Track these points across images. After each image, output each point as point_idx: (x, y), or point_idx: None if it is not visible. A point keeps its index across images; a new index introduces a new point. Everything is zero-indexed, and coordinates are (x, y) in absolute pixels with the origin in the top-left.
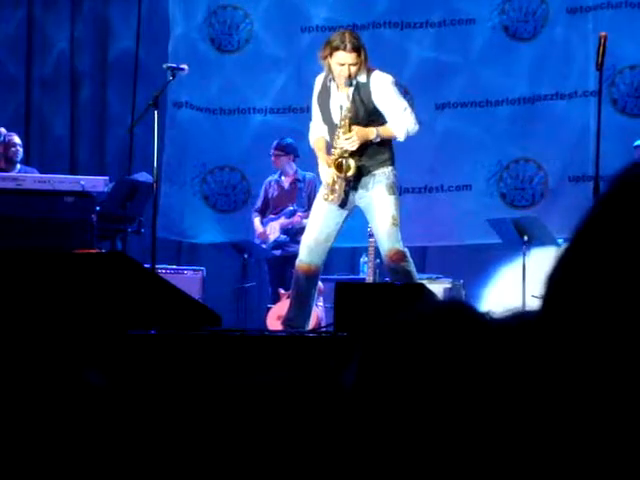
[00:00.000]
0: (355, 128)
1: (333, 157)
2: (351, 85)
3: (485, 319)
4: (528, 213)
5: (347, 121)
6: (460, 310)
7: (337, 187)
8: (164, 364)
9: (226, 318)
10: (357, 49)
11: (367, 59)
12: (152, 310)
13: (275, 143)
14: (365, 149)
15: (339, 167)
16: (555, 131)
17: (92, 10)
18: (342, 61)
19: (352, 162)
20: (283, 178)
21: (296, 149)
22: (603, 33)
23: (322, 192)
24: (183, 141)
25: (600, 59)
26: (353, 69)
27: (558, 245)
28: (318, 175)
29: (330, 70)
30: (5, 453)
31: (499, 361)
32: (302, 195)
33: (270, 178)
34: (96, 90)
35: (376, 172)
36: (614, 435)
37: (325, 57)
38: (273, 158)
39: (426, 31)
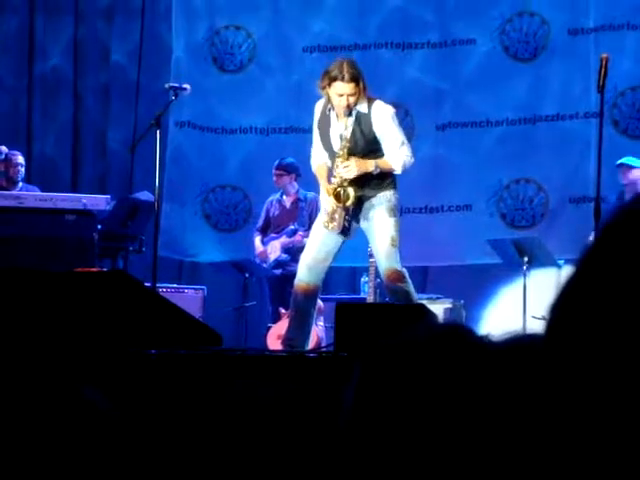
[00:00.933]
0: (353, 159)
1: (332, 186)
2: (350, 115)
3: (483, 342)
4: (528, 234)
5: (345, 150)
6: (458, 332)
7: (337, 216)
8: (164, 383)
9: (227, 337)
10: (355, 79)
11: (366, 88)
12: (152, 329)
13: (277, 163)
14: (366, 180)
15: (337, 196)
16: (556, 152)
17: (92, 29)
18: (341, 91)
19: (351, 191)
20: (285, 197)
21: (298, 168)
22: (604, 55)
23: (322, 218)
24: (185, 160)
25: (601, 81)
26: (352, 99)
27: (558, 266)
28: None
29: (329, 100)
30: (2, 467)
31: (495, 384)
32: (303, 214)
33: (272, 197)
34: (98, 108)
35: (379, 195)
36: (613, 461)
37: (324, 87)
38: (275, 177)
39: (427, 52)
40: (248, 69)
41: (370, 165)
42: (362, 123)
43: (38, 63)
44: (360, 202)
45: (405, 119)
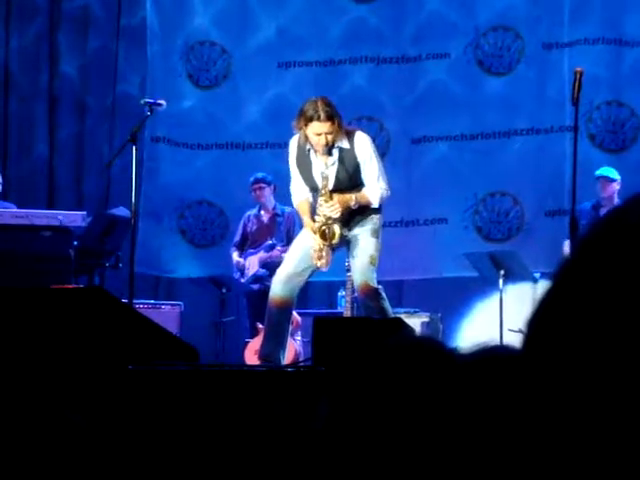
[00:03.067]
0: (336, 196)
1: (317, 224)
2: (331, 154)
3: (452, 354)
4: (504, 247)
5: (327, 189)
6: (428, 345)
7: (324, 254)
8: (141, 399)
9: (204, 353)
10: (331, 117)
11: (342, 125)
12: (130, 345)
13: (252, 179)
14: (348, 214)
15: (323, 235)
16: (531, 165)
17: (73, 47)
18: (318, 131)
19: (337, 228)
20: (262, 212)
21: (272, 180)
22: (579, 69)
23: (311, 255)
24: (161, 176)
25: (576, 94)
26: (330, 137)
27: (534, 279)
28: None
29: (307, 139)
30: None
31: (462, 395)
32: (281, 229)
33: (249, 212)
34: (74, 125)
35: (365, 218)
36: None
37: (300, 128)
38: (256, 192)
39: (401, 66)
40: (223, 85)
41: (350, 200)
42: (345, 159)
43: (15, 80)
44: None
45: (380, 133)
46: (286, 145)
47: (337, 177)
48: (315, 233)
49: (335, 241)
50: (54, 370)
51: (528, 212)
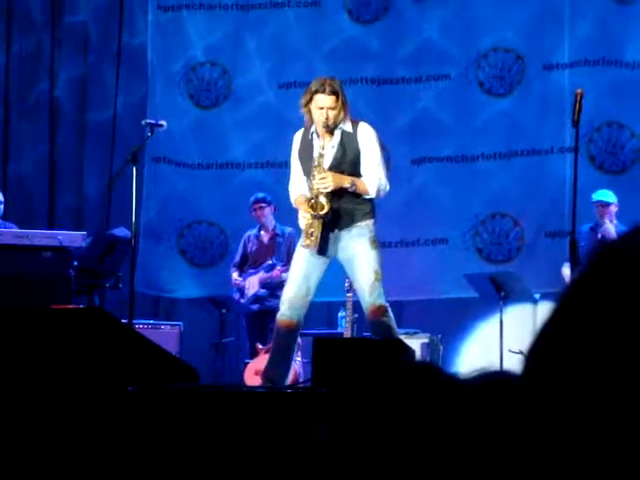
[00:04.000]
0: (331, 173)
1: (308, 197)
2: (330, 131)
3: (452, 379)
4: (504, 268)
5: (321, 160)
6: (428, 369)
7: (314, 230)
8: (141, 420)
9: (204, 373)
10: (336, 93)
11: (346, 105)
12: (129, 365)
13: (253, 199)
14: (344, 194)
15: (313, 207)
16: (531, 187)
17: (72, 67)
18: (321, 104)
19: (325, 201)
20: (262, 232)
21: (272, 201)
22: (579, 90)
23: (300, 242)
24: (161, 196)
25: (576, 116)
26: (332, 113)
27: (535, 300)
28: (297, 230)
29: (311, 120)
30: None
31: (463, 420)
32: (281, 249)
33: (249, 232)
34: (75, 145)
35: (360, 224)
36: None
37: (306, 104)
38: (256, 212)
39: (402, 87)
40: (224, 105)
41: (346, 181)
42: (346, 143)
43: (16, 98)
44: (339, 219)
45: (381, 154)
46: (287, 165)
47: (335, 156)
48: (305, 205)
49: (324, 212)
50: (53, 391)
51: (528, 233)
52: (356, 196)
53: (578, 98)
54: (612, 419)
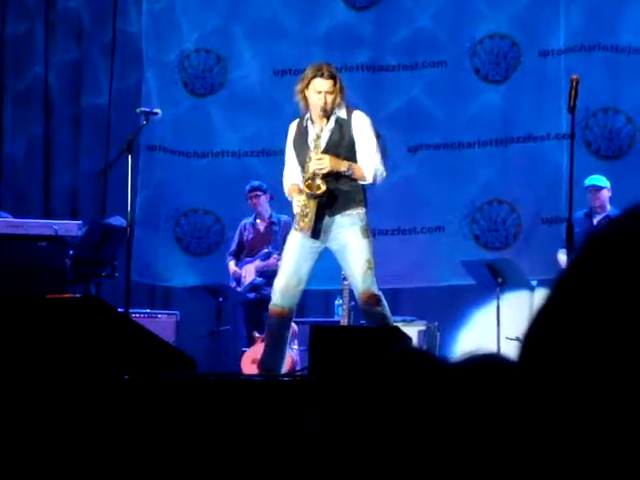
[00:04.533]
0: (327, 155)
1: (304, 178)
2: (327, 116)
3: (441, 363)
4: (501, 255)
5: (318, 142)
6: (417, 355)
7: (309, 210)
8: (138, 409)
9: (200, 362)
10: (333, 77)
11: (343, 91)
12: (126, 355)
13: (248, 187)
14: (340, 178)
15: (309, 186)
16: (528, 173)
17: (66, 54)
18: (319, 88)
19: (320, 181)
20: (258, 221)
21: (267, 189)
22: (575, 76)
23: (293, 226)
24: (157, 184)
25: (572, 102)
26: (329, 98)
27: (532, 287)
28: (293, 218)
29: (306, 107)
30: None
31: (452, 403)
32: (277, 238)
33: (245, 221)
34: (70, 133)
35: (351, 212)
36: None
37: (302, 90)
38: (252, 200)
39: (398, 74)
40: (219, 93)
41: (343, 165)
42: (342, 128)
43: (9, 87)
44: (332, 205)
45: (377, 141)
46: (282, 153)
47: (330, 141)
48: (303, 186)
49: (320, 192)
50: (50, 380)
51: (525, 220)
52: (351, 181)
53: (574, 84)
54: (608, 403)
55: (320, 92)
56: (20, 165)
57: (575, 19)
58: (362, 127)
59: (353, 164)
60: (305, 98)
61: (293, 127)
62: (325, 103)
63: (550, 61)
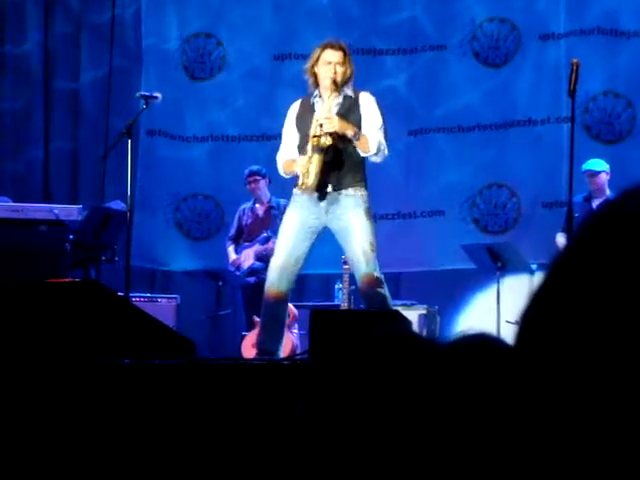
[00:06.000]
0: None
1: (310, 135)
2: (336, 89)
3: (429, 344)
4: (501, 239)
5: (330, 105)
6: (404, 337)
7: (313, 165)
8: (138, 393)
9: (200, 346)
10: (344, 49)
11: (352, 66)
12: (126, 339)
13: (247, 172)
14: (345, 151)
15: (316, 141)
16: (528, 157)
17: (64, 36)
18: (329, 59)
19: (328, 138)
20: (257, 205)
21: (266, 173)
22: (575, 60)
23: (294, 191)
24: (157, 169)
25: (572, 86)
26: (339, 70)
27: (532, 271)
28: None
29: (315, 83)
30: None
31: (442, 383)
32: (276, 222)
33: (244, 205)
34: (70, 118)
35: (355, 193)
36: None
37: (312, 66)
38: (251, 185)
39: (398, 57)
40: (219, 77)
41: (351, 129)
42: (350, 106)
43: (10, 72)
44: (335, 177)
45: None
46: (282, 137)
47: (338, 112)
48: (310, 140)
49: (326, 145)
50: (49, 364)
51: (525, 204)
52: (355, 164)
53: (574, 68)
54: (604, 386)
55: (330, 63)
56: (20, 149)
57: (575, 3)
58: (369, 106)
59: (359, 132)
60: (314, 75)
61: (295, 106)
62: (335, 73)
63: (550, 45)
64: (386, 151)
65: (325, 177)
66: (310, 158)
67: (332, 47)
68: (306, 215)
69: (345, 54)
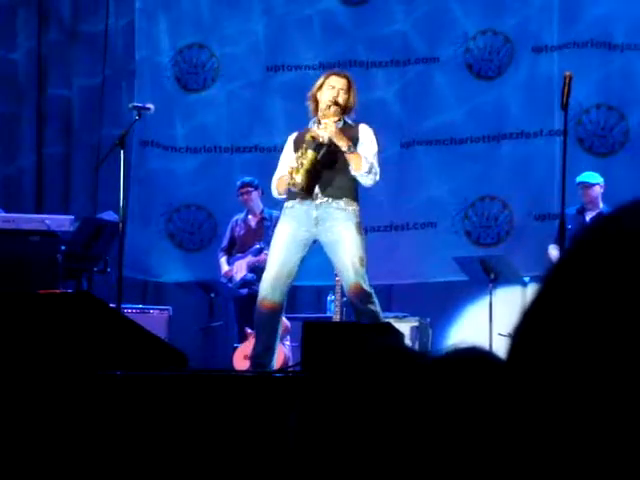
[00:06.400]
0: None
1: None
2: (336, 111)
3: (421, 358)
4: (494, 251)
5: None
6: (395, 350)
7: (304, 161)
8: (130, 405)
9: (193, 358)
10: (348, 78)
11: (355, 99)
12: (118, 350)
13: (239, 183)
14: (338, 170)
15: (313, 136)
16: (520, 169)
17: (58, 45)
18: (334, 84)
19: (325, 136)
20: (250, 217)
21: (259, 184)
22: (568, 73)
23: (287, 180)
24: (149, 180)
25: (565, 99)
26: (343, 96)
27: (524, 283)
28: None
29: (316, 110)
30: None
31: (431, 397)
32: (269, 233)
33: (236, 217)
34: (62, 128)
35: (347, 208)
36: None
37: (315, 92)
38: (243, 196)
39: (391, 69)
40: (212, 88)
41: (345, 141)
42: (349, 131)
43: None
44: (327, 186)
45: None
46: (275, 149)
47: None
48: (307, 137)
49: (321, 141)
50: (40, 376)
51: (517, 216)
52: (348, 179)
53: (567, 81)
54: (596, 400)
55: (334, 87)
56: (12, 159)
57: (568, 15)
58: (368, 135)
59: (353, 147)
60: (316, 101)
61: (294, 135)
62: (336, 96)
63: (543, 57)
64: (377, 177)
65: (316, 181)
66: (303, 154)
67: (337, 74)
68: (296, 228)
69: (350, 83)
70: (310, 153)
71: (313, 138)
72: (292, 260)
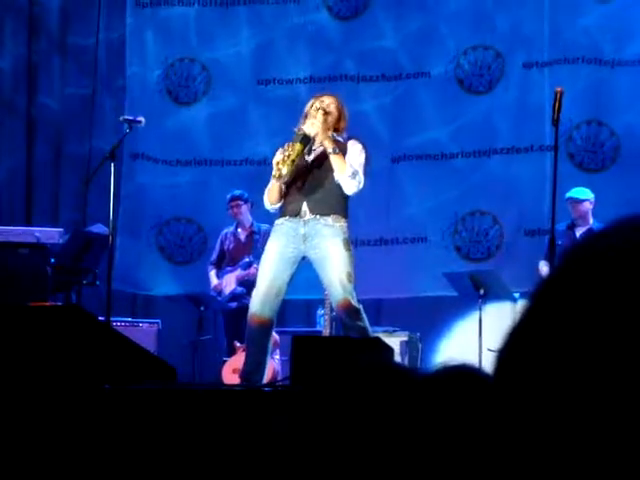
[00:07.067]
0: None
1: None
2: (324, 117)
3: (411, 375)
4: (484, 266)
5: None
6: (387, 367)
7: (291, 153)
8: (119, 419)
9: (181, 371)
10: (337, 99)
11: (345, 119)
12: (106, 364)
13: (229, 196)
14: (327, 180)
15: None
16: (511, 184)
17: (47, 55)
18: (323, 99)
19: (298, 146)
20: (239, 230)
21: (249, 198)
22: (559, 88)
23: (273, 175)
24: (139, 193)
25: (556, 115)
26: (332, 106)
27: (514, 299)
28: (273, 225)
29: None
30: None
31: (420, 413)
32: (258, 247)
33: (226, 230)
34: (52, 140)
35: (333, 224)
36: None
37: (307, 112)
38: (233, 210)
39: (381, 84)
40: (203, 101)
41: (331, 141)
42: (339, 147)
43: None
44: (315, 199)
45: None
46: (265, 162)
47: (323, 150)
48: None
49: (307, 133)
50: (29, 389)
51: (507, 231)
52: (336, 192)
53: (558, 96)
54: (583, 417)
55: (323, 101)
56: (2, 171)
57: (559, 31)
58: (355, 147)
59: (339, 151)
60: (308, 113)
61: (280, 152)
62: (325, 105)
63: (534, 73)
64: (361, 185)
65: (305, 178)
66: (291, 146)
67: (327, 95)
68: (285, 245)
69: (338, 102)
70: (298, 146)
71: (302, 130)
72: (281, 277)
